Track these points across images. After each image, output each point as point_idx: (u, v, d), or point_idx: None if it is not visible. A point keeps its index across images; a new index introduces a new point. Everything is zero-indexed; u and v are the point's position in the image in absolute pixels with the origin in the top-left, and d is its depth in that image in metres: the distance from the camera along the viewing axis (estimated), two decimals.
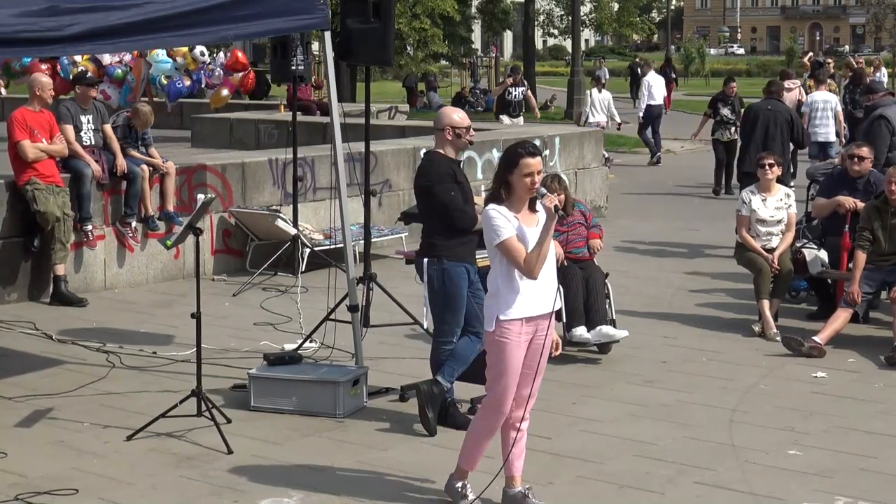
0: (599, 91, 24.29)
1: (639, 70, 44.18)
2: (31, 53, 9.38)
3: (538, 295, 5.91)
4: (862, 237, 9.57)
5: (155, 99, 22.26)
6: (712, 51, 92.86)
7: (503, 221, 5.84)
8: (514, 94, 22.57)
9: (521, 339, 5.91)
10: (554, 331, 6.10)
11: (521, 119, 22.65)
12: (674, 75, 44.78)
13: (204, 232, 8.52)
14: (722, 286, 11.84)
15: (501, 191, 5.90)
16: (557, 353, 6.19)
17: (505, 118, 22.17)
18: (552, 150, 16.07)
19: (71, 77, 18.72)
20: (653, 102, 24.79)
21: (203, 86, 23.17)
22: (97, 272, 11.58)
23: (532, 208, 5.94)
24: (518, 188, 5.86)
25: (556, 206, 5.77)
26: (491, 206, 5.91)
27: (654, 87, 25.08)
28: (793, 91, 20.35)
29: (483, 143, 15.16)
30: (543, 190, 5.86)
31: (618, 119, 25.30)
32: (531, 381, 6.01)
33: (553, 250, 6.02)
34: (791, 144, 13.57)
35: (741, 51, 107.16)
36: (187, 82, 22.49)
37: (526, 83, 24.33)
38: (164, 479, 6.58)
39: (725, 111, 19.27)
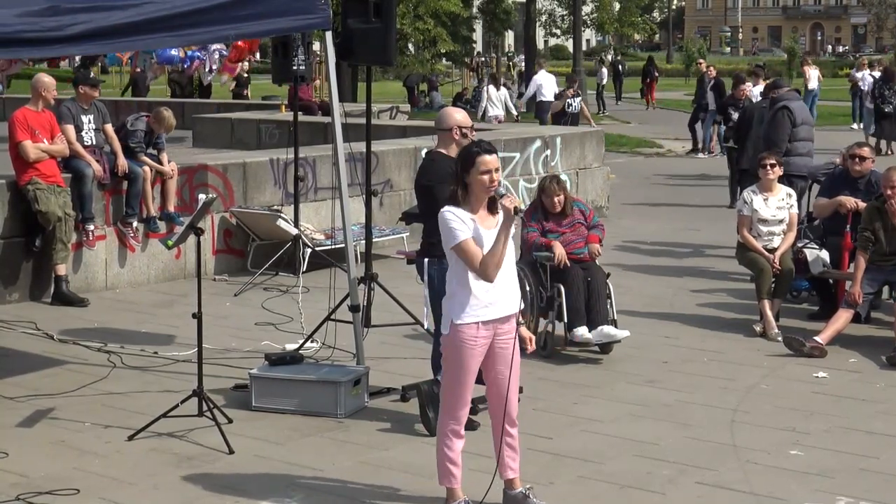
0: (497, 88, 26.79)
1: (624, 67, 45.15)
2: (32, 54, 9.38)
3: (496, 298, 5.81)
4: (863, 238, 9.57)
5: (138, 69, 22.10)
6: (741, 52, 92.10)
7: (459, 223, 5.73)
8: (573, 105, 21.36)
9: (478, 344, 5.81)
10: (524, 329, 6.02)
11: None
12: (656, 73, 45.37)
13: (205, 232, 8.52)
14: (723, 286, 11.84)
15: (459, 192, 5.80)
16: (531, 349, 6.10)
17: None
18: (553, 150, 16.08)
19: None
20: (543, 99, 26.41)
21: (206, 69, 23.06)
22: (98, 272, 11.59)
23: (491, 210, 5.83)
24: (476, 187, 5.76)
25: (516, 207, 5.66)
26: (447, 207, 5.80)
27: (544, 84, 26.73)
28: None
29: None
30: (503, 190, 5.77)
31: (514, 112, 28.07)
32: (507, 385, 5.96)
33: (511, 252, 5.90)
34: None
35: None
36: (181, 54, 22.36)
37: (581, 94, 22.54)
38: (166, 479, 6.58)
39: (736, 116, 17.74)
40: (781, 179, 11.85)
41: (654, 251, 13.91)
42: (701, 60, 31.13)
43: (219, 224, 12.46)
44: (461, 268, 5.78)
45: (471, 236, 5.73)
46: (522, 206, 5.75)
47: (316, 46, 24.93)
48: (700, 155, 25.11)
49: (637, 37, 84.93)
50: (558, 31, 61.45)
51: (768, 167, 10.30)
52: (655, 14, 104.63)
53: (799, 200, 12.14)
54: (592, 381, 8.60)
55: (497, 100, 26.88)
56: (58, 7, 6.72)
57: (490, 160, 5.75)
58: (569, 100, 21.28)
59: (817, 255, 10.28)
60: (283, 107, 23.44)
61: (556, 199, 9.31)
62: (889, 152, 25.52)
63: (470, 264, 5.73)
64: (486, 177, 5.74)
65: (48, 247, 10.88)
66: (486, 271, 5.72)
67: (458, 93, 41.89)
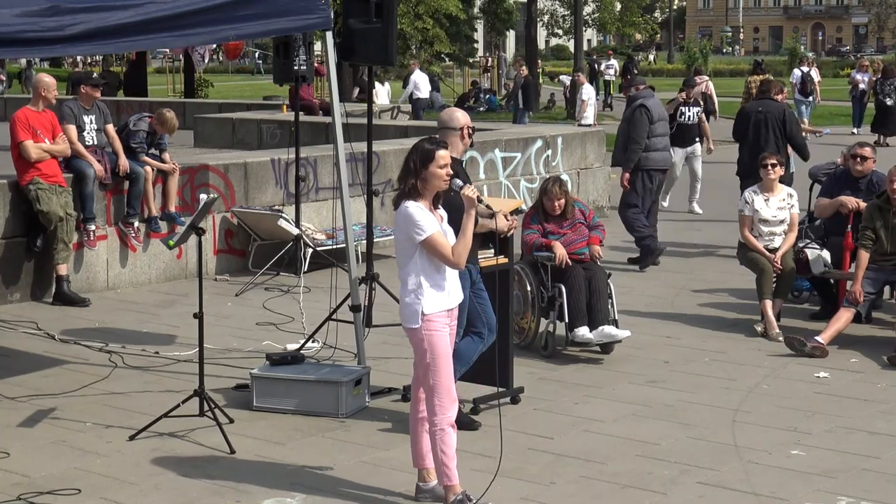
0: (382, 84, 30.03)
1: (599, 66, 46.26)
2: (32, 54, 9.41)
3: (453, 286, 6.10)
4: (864, 237, 9.56)
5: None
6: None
7: (424, 216, 5.94)
8: (687, 115, 16.34)
9: (447, 330, 6.05)
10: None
11: (697, 148, 16.66)
12: (635, 71, 45.89)
13: (206, 232, 8.52)
14: (724, 286, 11.84)
15: (418, 185, 5.98)
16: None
17: (677, 150, 15.77)
18: (554, 151, 16.07)
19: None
20: (419, 96, 30.44)
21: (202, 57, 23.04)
22: (100, 272, 11.59)
23: (435, 205, 6.07)
24: (433, 181, 5.97)
25: (478, 196, 5.93)
26: (410, 203, 5.97)
27: (420, 82, 30.76)
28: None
29: (485, 144, 15.17)
30: (459, 182, 6.02)
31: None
32: None
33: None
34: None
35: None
36: None
37: (701, 103, 17.32)
38: (167, 479, 6.58)
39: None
40: (639, 174, 12.67)
41: None
42: (520, 58, 33.90)
43: (220, 224, 12.46)
44: (425, 260, 5.97)
45: (438, 229, 5.95)
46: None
47: (317, 46, 24.96)
48: None
49: (638, 36, 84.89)
50: (560, 31, 61.46)
51: (769, 167, 10.30)
52: (657, 14, 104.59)
53: (657, 192, 13.13)
54: (594, 381, 8.60)
55: (384, 95, 29.13)
56: (58, 7, 6.72)
57: (446, 155, 6.01)
58: (681, 107, 16.34)
59: (818, 255, 10.27)
60: (285, 107, 23.44)
61: (556, 203, 9.29)
62: (886, 144, 25.73)
63: (441, 255, 5.94)
64: (443, 170, 5.97)
65: (49, 247, 10.88)
66: (459, 260, 5.96)
67: (462, 95, 41.92)
